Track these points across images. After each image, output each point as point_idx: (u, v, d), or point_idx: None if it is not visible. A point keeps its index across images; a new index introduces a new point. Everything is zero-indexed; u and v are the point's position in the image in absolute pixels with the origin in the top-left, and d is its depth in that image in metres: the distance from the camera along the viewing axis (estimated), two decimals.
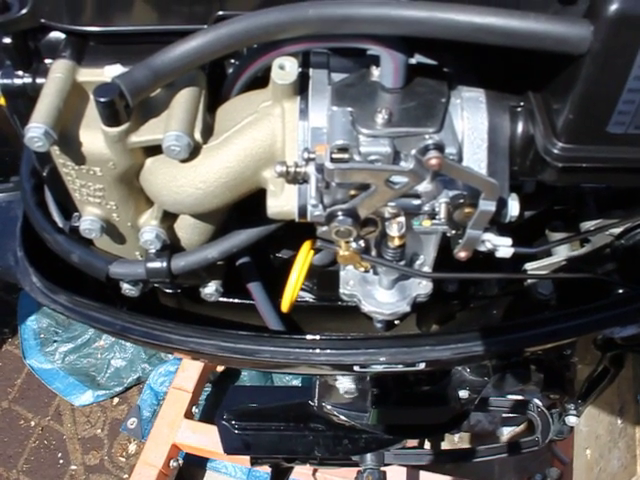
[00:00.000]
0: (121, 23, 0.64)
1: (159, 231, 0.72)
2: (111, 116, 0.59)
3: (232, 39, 0.58)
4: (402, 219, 0.61)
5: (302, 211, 0.61)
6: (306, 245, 0.70)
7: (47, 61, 0.67)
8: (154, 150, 0.64)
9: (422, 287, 0.72)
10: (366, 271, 0.72)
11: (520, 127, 0.61)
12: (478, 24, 0.51)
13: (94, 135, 0.62)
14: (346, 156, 0.54)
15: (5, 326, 2.49)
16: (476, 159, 0.60)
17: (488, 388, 1.24)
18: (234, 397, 1.44)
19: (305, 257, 0.69)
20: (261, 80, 0.66)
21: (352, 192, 0.58)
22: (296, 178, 0.59)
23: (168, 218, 0.73)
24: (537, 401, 1.43)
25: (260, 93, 0.65)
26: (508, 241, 0.61)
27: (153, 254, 0.74)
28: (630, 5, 0.47)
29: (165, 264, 0.74)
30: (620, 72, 0.50)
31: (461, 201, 0.58)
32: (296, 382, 2.18)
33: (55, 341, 2.41)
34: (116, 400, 2.32)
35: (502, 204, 0.61)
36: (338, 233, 0.58)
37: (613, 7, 0.47)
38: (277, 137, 0.62)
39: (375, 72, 0.62)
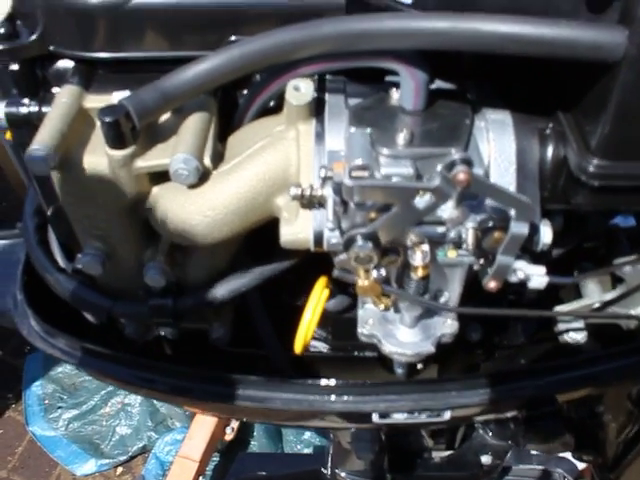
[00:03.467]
0: (132, 49, 0.63)
1: (164, 267, 0.68)
2: (116, 138, 0.56)
3: (245, 60, 0.55)
4: (426, 247, 0.57)
5: (318, 238, 0.57)
6: (321, 281, 0.66)
7: (54, 90, 0.65)
8: (161, 177, 0.61)
9: (447, 326, 0.66)
10: (386, 309, 0.67)
11: (550, 150, 0.58)
12: (505, 33, 0.48)
13: (98, 160, 0.59)
14: (366, 174, 0.51)
15: (9, 391, 2.42)
16: (504, 182, 0.56)
17: (512, 455, 1.15)
18: (243, 465, 1.36)
19: (320, 294, 0.65)
20: (275, 109, 0.64)
21: (372, 215, 0.53)
22: (312, 202, 0.55)
23: (174, 253, 0.69)
24: (563, 472, 1.34)
25: (274, 119, 0.62)
26: (541, 269, 0.56)
27: (158, 291, 0.70)
28: None
29: (170, 302, 0.70)
30: None
31: (490, 225, 0.54)
32: (307, 450, 2.07)
33: (60, 407, 2.32)
34: (120, 470, 2.21)
35: (534, 230, 0.56)
36: (358, 259, 0.54)
37: None
38: (291, 161, 0.58)
39: (395, 95, 0.59)
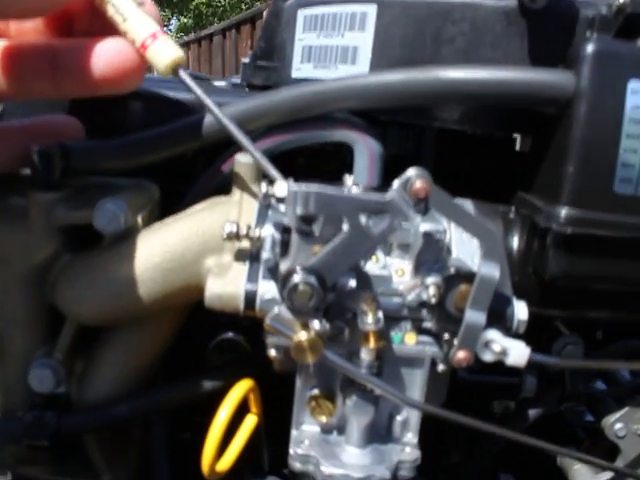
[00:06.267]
0: None
1: (59, 367, 0.55)
2: (46, 177, 0.51)
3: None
4: (380, 314, 0.47)
5: (250, 296, 0.48)
6: (243, 385, 0.52)
7: None
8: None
9: (406, 454, 0.51)
10: (327, 423, 0.52)
11: (516, 232, 0.54)
12: (465, 78, 0.49)
13: (15, 200, 0.52)
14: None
15: None
16: (467, 253, 0.50)
17: None
18: None
19: (237, 398, 0.51)
20: None
21: (316, 249, 0.46)
22: (248, 239, 0.48)
23: (75, 358, 0.57)
24: None
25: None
26: (520, 343, 0.46)
27: (39, 402, 0.55)
28: (604, 45, 0.46)
29: (53, 417, 0.54)
30: (613, 114, 0.46)
31: (452, 274, 0.46)
32: None
33: None
34: None
35: (506, 302, 0.48)
36: (296, 292, 0.44)
37: (589, 49, 0.47)
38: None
39: (348, 180, 0.57)
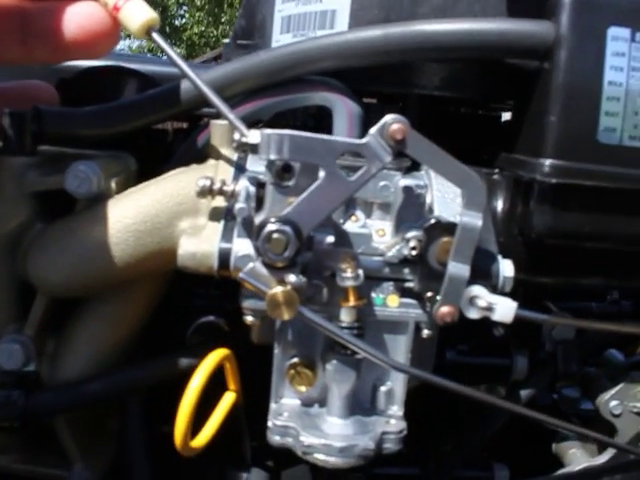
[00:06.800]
0: None
1: (28, 343, 0.52)
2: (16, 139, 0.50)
3: None
4: (360, 271, 0.45)
5: (224, 255, 0.46)
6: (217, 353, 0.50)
7: None
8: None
9: (391, 425, 0.49)
10: (308, 405, 0.50)
11: (501, 193, 0.52)
12: (448, 30, 0.48)
13: None
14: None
15: None
16: (450, 212, 0.48)
17: None
18: None
19: (211, 365, 0.48)
20: None
21: (291, 200, 0.44)
22: (222, 194, 0.46)
23: (46, 336, 0.54)
24: None
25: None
26: (506, 299, 0.44)
27: (8, 379, 0.52)
28: None
29: (21, 396, 0.52)
30: (593, 61, 0.45)
31: (433, 224, 0.44)
32: None
33: None
34: None
35: (490, 259, 0.46)
36: (270, 242, 0.42)
37: None
38: None
39: None
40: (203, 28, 12.59)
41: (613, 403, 0.59)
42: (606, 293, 0.69)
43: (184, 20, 13.27)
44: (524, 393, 0.62)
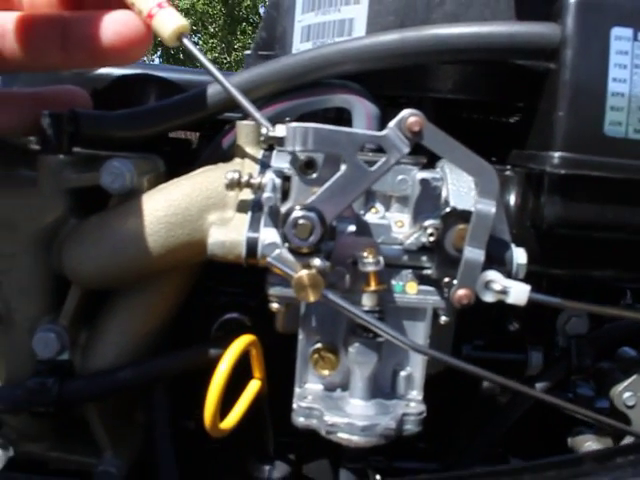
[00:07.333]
0: None
1: (63, 332, 0.55)
2: (55, 139, 0.53)
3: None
4: (380, 258, 0.48)
5: (252, 243, 0.49)
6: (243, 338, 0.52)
7: None
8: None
9: (411, 407, 0.51)
10: (331, 390, 0.52)
11: (513, 189, 0.55)
12: (457, 33, 0.51)
13: None
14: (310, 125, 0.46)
15: None
16: (465, 203, 0.51)
17: None
18: None
19: (238, 350, 0.51)
20: None
21: (315, 190, 0.47)
22: (249, 187, 0.49)
23: (80, 327, 0.57)
24: None
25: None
26: (520, 283, 0.46)
27: (43, 368, 0.55)
28: None
29: (55, 383, 0.54)
30: (598, 59, 0.48)
31: (449, 212, 0.47)
32: None
33: None
34: None
35: (504, 247, 0.49)
36: (296, 227, 0.45)
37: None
38: None
39: None
40: (217, 54, 12.85)
41: (627, 394, 0.60)
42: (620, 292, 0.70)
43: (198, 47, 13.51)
44: (539, 387, 0.63)
